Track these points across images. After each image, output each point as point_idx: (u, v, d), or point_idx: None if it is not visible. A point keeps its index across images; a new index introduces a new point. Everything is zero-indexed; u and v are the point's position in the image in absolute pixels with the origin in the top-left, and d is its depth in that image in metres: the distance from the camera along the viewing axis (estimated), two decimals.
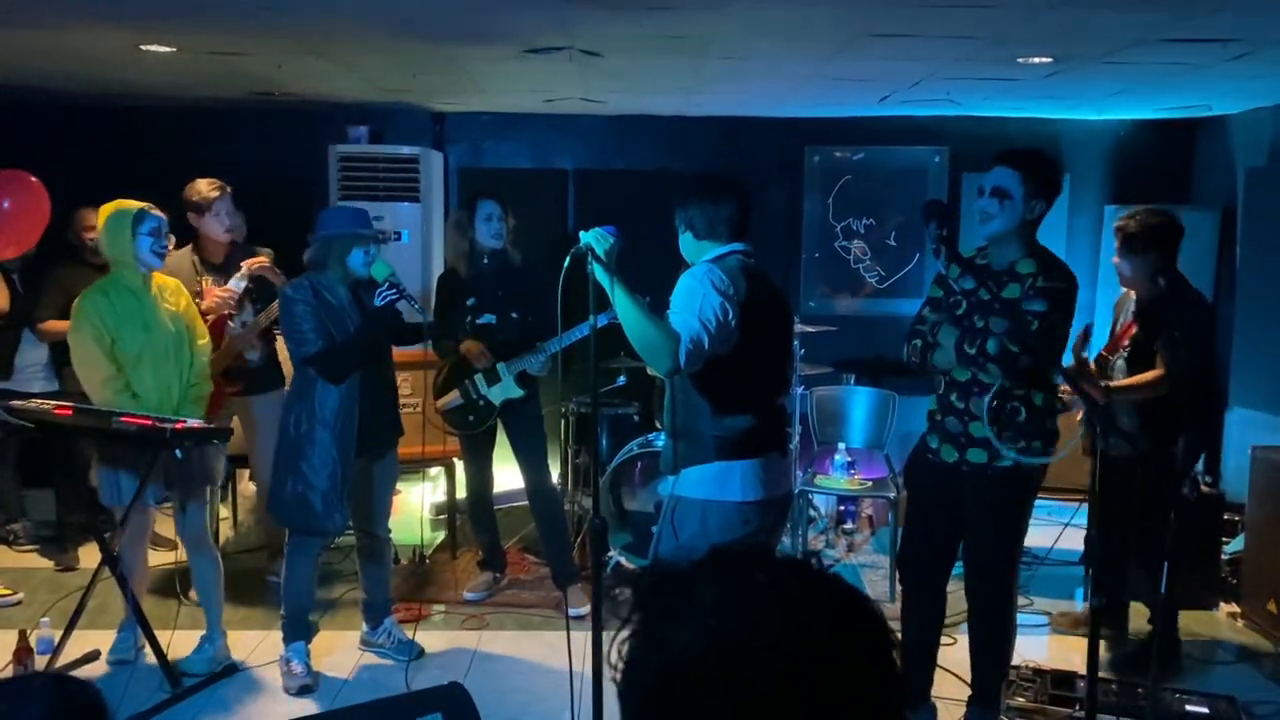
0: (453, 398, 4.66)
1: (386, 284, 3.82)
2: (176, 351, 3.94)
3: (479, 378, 4.61)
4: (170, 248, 4.05)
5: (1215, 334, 4.14)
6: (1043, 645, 4.41)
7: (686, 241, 3.13)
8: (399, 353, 4.21)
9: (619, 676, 0.90)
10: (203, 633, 4.13)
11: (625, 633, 0.90)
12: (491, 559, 4.95)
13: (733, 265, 2.99)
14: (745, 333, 2.91)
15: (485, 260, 4.59)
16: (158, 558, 5.00)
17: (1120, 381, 4.03)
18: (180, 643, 4.16)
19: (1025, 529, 3.44)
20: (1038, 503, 3.48)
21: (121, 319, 3.83)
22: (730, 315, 2.87)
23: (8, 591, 4.72)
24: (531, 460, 4.71)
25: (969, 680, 3.57)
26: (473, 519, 4.92)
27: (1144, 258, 3.99)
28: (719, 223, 3.06)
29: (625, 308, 2.84)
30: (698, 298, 2.86)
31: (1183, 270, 4.13)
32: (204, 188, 4.41)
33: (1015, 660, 3.65)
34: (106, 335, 3.81)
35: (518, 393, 4.60)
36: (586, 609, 4.45)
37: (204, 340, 4.11)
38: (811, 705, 0.82)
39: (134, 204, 3.87)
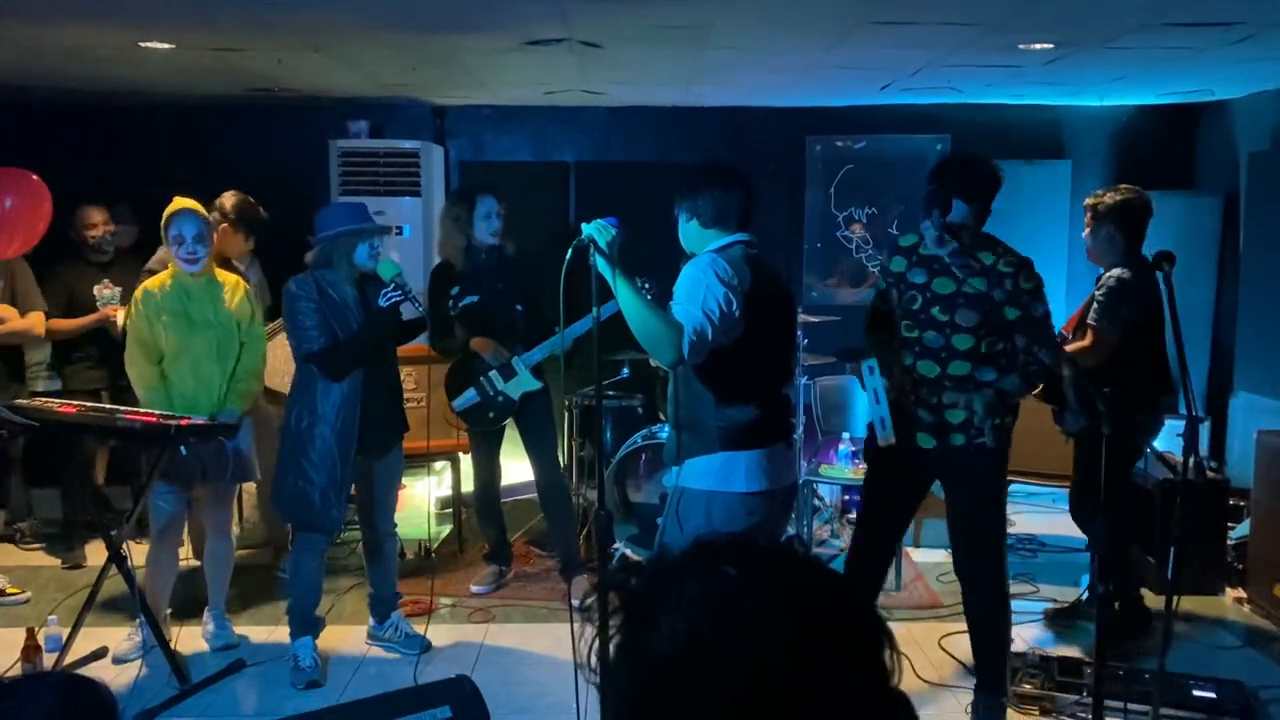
0: (468, 395, 4.64)
1: (392, 285, 3.80)
2: (222, 348, 3.99)
3: (494, 374, 4.59)
4: (214, 247, 4.05)
5: (1153, 317, 4.01)
6: (1047, 632, 4.41)
7: (690, 230, 3.09)
8: (403, 348, 4.20)
9: (598, 680, 0.88)
10: (210, 625, 4.21)
11: (602, 636, 0.88)
12: (498, 552, 4.95)
13: (736, 255, 2.98)
14: (749, 323, 2.90)
15: (483, 256, 4.58)
16: None
17: None
18: (188, 640, 4.18)
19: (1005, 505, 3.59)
20: (1029, 487, 3.53)
21: (166, 311, 3.91)
22: (734, 306, 2.86)
23: (15, 590, 4.73)
24: (543, 453, 4.71)
25: (973, 667, 3.58)
26: (480, 512, 4.92)
27: (1092, 233, 4.06)
28: (729, 212, 3.03)
29: (628, 299, 2.83)
30: (701, 288, 2.85)
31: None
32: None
33: (1022, 647, 3.65)
34: (156, 322, 3.90)
35: (535, 385, 4.57)
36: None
37: (260, 337, 4.17)
38: (793, 705, 0.80)
39: (178, 204, 3.92)
